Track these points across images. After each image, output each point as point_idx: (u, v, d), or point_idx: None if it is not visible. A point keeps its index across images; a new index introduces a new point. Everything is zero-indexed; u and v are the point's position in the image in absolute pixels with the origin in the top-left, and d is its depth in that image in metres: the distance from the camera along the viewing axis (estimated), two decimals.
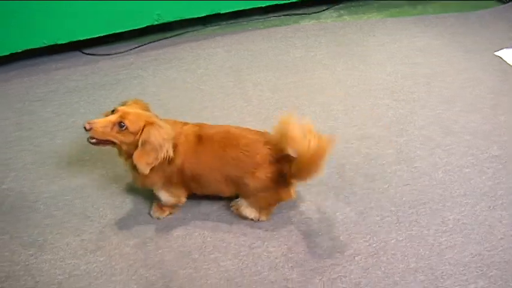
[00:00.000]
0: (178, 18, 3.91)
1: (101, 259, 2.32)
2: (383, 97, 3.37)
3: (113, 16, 3.63)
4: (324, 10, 4.51)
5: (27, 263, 2.31)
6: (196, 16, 3.97)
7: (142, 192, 2.62)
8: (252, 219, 2.47)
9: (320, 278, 2.24)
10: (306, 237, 2.42)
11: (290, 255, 2.34)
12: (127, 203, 2.59)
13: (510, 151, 2.93)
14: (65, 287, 2.21)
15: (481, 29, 4.22)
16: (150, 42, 3.95)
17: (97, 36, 3.68)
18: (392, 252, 2.35)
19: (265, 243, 2.39)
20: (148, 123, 2.08)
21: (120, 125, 2.05)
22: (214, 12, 4.02)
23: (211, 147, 2.22)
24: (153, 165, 2.11)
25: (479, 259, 2.32)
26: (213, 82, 3.48)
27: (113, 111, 2.13)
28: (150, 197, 2.54)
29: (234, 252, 2.35)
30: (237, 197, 2.43)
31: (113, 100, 3.29)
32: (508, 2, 4.65)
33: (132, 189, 2.66)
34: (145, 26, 3.80)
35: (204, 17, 4.02)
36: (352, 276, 2.25)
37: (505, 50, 3.90)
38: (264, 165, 2.19)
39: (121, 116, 2.06)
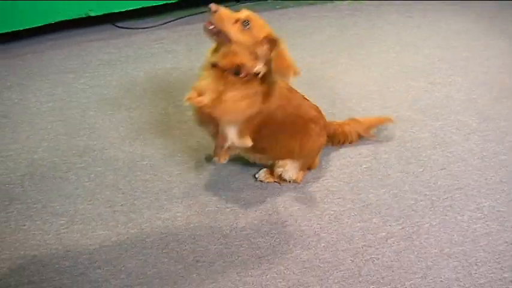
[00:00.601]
0: None
1: (132, 231, 2.33)
2: (419, 79, 3.33)
3: None
4: None
5: (58, 232, 2.33)
6: None
7: (173, 167, 2.64)
8: (289, 181, 2.55)
9: (352, 259, 2.23)
10: (338, 217, 2.41)
11: (322, 235, 2.33)
12: (158, 178, 2.60)
13: None
14: (95, 257, 2.22)
15: None
16: (184, 17, 3.93)
17: (130, 9, 3.67)
18: (426, 236, 2.33)
19: (298, 221, 2.39)
20: (274, 36, 2.04)
21: (245, 23, 1.99)
22: None
23: (294, 104, 2.33)
24: (294, 74, 2.06)
25: None
26: None
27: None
28: (181, 174, 2.57)
29: (266, 229, 2.35)
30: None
31: (146, 73, 3.30)
32: None
33: (161, 166, 2.66)
34: (179, 0, 3.77)
35: None
36: (384, 259, 2.23)
37: None
38: (323, 132, 2.49)
39: (249, 16, 2.01)
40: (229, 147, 2.31)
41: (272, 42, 2.02)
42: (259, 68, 2.05)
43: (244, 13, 2.02)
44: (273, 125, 2.25)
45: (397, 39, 3.75)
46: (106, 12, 3.60)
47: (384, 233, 2.34)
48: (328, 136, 2.59)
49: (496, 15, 4.09)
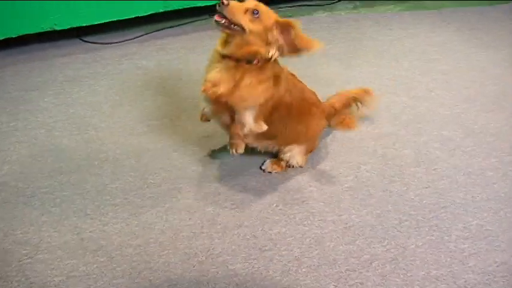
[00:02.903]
0: (185, 6, 3.88)
1: (102, 260, 2.27)
2: (400, 94, 3.34)
3: (116, 2, 3.59)
4: (338, 1, 4.49)
5: (21, 262, 2.26)
6: (204, 4, 3.94)
7: (145, 190, 2.60)
8: (298, 166, 2.72)
9: (335, 284, 2.20)
10: (319, 240, 2.38)
11: (303, 259, 2.29)
12: (128, 202, 2.55)
13: None
14: None
15: (502, 25, 4.21)
16: (155, 31, 3.93)
17: (98, 23, 3.65)
18: (412, 258, 2.31)
19: (277, 245, 2.35)
20: (284, 21, 2.18)
21: (254, 12, 2.12)
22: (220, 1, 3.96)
23: (298, 88, 2.54)
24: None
25: (504, 268, 2.28)
26: None
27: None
28: (153, 197, 2.54)
29: (243, 255, 2.31)
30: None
31: (116, 90, 3.26)
32: None
33: (132, 189, 2.62)
34: (150, 13, 3.77)
35: (212, 5, 3.96)
36: (369, 283, 2.21)
37: None
38: (323, 115, 2.72)
39: (257, 5, 2.16)
40: (245, 135, 2.44)
41: (283, 25, 2.17)
42: (273, 53, 2.20)
43: (251, 2, 2.17)
44: (282, 109, 2.43)
45: (376, 53, 3.77)
46: (72, 26, 3.57)
47: (367, 256, 2.32)
48: (326, 118, 2.79)
49: (475, 26, 4.15)
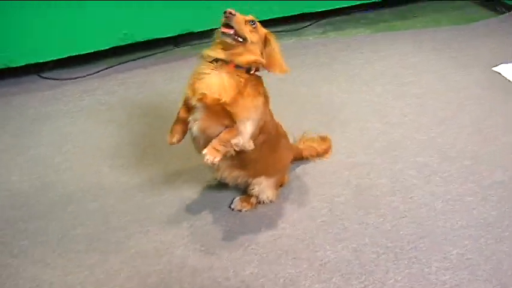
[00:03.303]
0: (147, 38, 3.87)
1: None
2: (373, 120, 3.33)
3: (74, 36, 3.58)
4: (306, 26, 4.50)
5: None
6: (166, 35, 3.93)
7: (110, 235, 2.53)
8: (268, 201, 2.68)
9: None
10: (294, 280, 2.32)
11: None
12: (93, 248, 2.47)
13: None
14: None
15: (477, 43, 4.23)
16: (117, 65, 3.90)
17: (57, 58, 3.62)
18: None
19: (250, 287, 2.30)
20: (268, 33, 2.34)
21: (252, 22, 2.25)
22: (185, 32, 3.98)
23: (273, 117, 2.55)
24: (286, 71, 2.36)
25: None
26: None
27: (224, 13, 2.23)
28: (118, 243, 2.46)
29: None
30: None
31: (78, 128, 3.22)
32: (504, 13, 4.65)
33: (96, 234, 2.55)
34: (110, 46, 3.74)
35: (176, 36, 3.96)
36: None
37: (503, 65, 3.89)
38: (291, 147, 2.80)
39: (253, 17, 2.27)
40: (227, 152, 2.31)
41: (267, 39, 2.32)
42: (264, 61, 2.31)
43: (247, 16, 2.27)
44: (264, 133, 2.43)
45: (347, 78, 3.77)
46: (29, 62, 3.52)
47: None
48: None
49: (451, 45, 4.18)
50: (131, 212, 2.66)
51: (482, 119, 3.33)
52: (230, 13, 2.16)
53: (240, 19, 2.19)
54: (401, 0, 4.93)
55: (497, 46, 4.16)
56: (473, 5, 5.03)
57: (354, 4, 4.64)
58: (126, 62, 3.92)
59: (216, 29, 2.25)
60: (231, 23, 2.16)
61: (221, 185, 2.66)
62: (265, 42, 2.32)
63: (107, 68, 3.86)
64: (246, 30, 2.22)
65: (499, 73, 3.79)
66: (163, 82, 3.70)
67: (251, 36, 2.24)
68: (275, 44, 2.33)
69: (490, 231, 2.55)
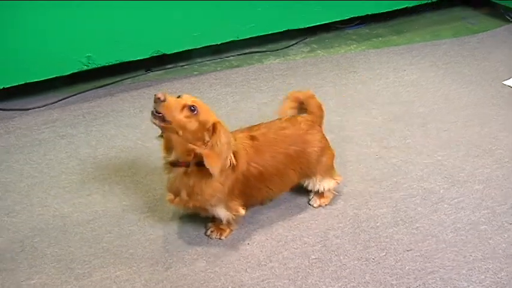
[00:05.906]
0: (113, 62, 3.86)
1: None
2: (370, 145, 3.33)
3: (30, 60, 3.55)
4: (292, 45, 4.53)
5: None
6: (136, 59, 3.93)
7: (70, 286, 2.44)
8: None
9: None
10: None
11: None
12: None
13: None
14: None
15: (484, 55, 4.29)
16: (80, 93, 3.90)
17: (8, 87, 3.60)
18: None
19: None
20: (218, 122, 2.32)
21: (192, 108, 2.25)
22: (157, 54, 3.98)
23: (272, 144, 2.61)
24: (224, 168, 2.34)
25: None
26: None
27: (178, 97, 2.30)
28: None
29: None
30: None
31: (34, 165, 3.18)
32: None
33: (56, 284, 2.47)
34: (72, 72, 3.73)
35: (146, 59, 3.95)
36: None
37: None
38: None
39: (194, 101, 2.28)
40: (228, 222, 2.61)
41: (215, 127, 2.31)
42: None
43: (189, 99, 2.29)
44: (253, 179, 2.55)
45: (339, 100, 3.79)
46: None
47: None
48: None
49: (454, 58, 4.20)
50: (97, 256, 2.59)
51: (493, 139, 3.33)
52: (159, 98, 2.16)
53: (171, 104, 2.21)
54: (396, 12, 4.94)
55: (508, 58, 4.19)
56: (476, 15, 5.13)
57: (343, 19, 4.65)
58: (90, 89, 3.93)
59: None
60: (158, 108, 2.19)
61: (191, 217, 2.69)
62: (213, 131, 2.31)
63: (69, 97, 3.85)
64: (179, 117, 2.23)
65: (511, 87, 3.79)
66: (133, 111, 3.69)
67: (185, 124, 2.24)
68: (223, 135, 2.30)
69: (510, 263, 2.51)
